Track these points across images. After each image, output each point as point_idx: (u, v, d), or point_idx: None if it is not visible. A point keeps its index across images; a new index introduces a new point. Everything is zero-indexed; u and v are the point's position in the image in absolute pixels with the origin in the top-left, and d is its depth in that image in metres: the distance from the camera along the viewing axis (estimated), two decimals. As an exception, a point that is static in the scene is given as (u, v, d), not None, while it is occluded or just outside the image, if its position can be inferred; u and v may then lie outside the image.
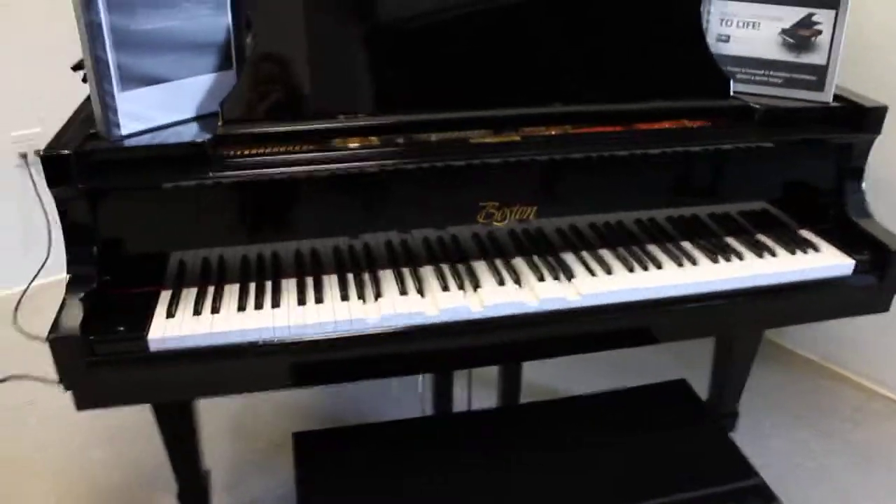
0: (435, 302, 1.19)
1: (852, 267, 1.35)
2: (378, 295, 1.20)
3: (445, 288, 1.22)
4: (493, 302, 1.19)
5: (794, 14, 1.39)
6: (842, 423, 2.04)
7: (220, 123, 1.19)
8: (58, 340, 1.03)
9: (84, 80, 1.40)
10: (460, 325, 1.18)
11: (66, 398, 1.07)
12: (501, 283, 1.24)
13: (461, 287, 1.23)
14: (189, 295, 1.19)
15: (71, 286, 1.11)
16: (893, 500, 1.78)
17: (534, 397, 1.61)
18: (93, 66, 1.10)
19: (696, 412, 1.43)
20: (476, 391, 1.72)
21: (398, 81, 1.28)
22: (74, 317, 1.06)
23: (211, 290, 1.20)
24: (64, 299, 1.08)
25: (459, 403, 1.70)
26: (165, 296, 1.18)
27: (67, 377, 1.06)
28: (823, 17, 1.38)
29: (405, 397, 2.00)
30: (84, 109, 1.27)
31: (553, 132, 1.33)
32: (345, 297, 1.19)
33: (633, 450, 1.31)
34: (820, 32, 1.39)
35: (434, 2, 1.27)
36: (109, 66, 1.11)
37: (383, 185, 1.22)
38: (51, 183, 1.09)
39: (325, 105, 1.25)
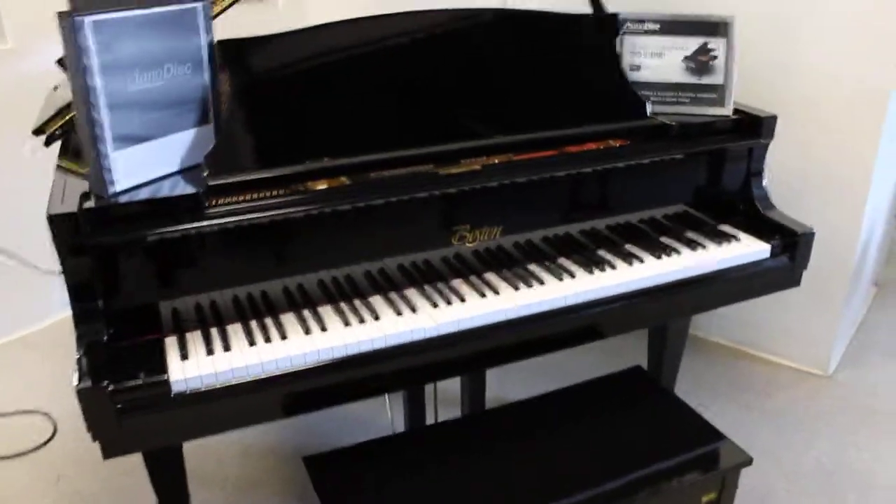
0: (432, 317, 1.30)
1: (769, 251, 1.58)
2: (376, 317, 1.30)
3: (435, 305, 1.33)
4: (482, 311, 1.33)
5: (694, 43, 1.63)
6: (756, 395, 2.30)
7: (204, 174, 1.26)
8: (85, 392, 1.06)
9: (46, 144, 1.44)
10: (456, 335, 1.30)
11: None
12: (483, 295, 1.37)
13: (449, 302, 1.34)
14: (194, 338, 1.24)
15: (82, 341, 1.13)
16: (811, 451, 2.03)
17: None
18: (88, 128, 1.15)
19: (658, 392, 1.61)
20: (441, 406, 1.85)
21: (363, 126, 1.39)
22: (96, 369, 1.09)
23: (214, 331, 1.26)
24: (80, 355, 1.11)
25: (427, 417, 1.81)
26: (171, 341, 1.23)
27: (96, 427, 1.09)
28: (717, 44, 1.62)
29: (369, 417, 2.07)
30: (62, 177, 1.29)
31: (496, 160, 1.46)
32: (346, 323, 1.28)
33: (616, 432, 1.46)
34: (716, 57, 1.63)
35: (384, 54, 1.39)
36: (104, 127, 1.15)
37: (364, 218, 1.32)
38: (59, 242, 1.12)
39: (299, 151, 1.33)
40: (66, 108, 1.40)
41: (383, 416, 1.96)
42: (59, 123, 1.41)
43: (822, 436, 2.11)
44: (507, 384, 2.14)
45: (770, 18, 2.10)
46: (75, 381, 1.07)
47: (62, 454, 2.08)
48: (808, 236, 1.59)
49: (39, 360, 2.55)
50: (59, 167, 1.32)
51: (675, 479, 1.36)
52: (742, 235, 1.62)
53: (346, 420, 2.13)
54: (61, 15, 1.09)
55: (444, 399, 1.87)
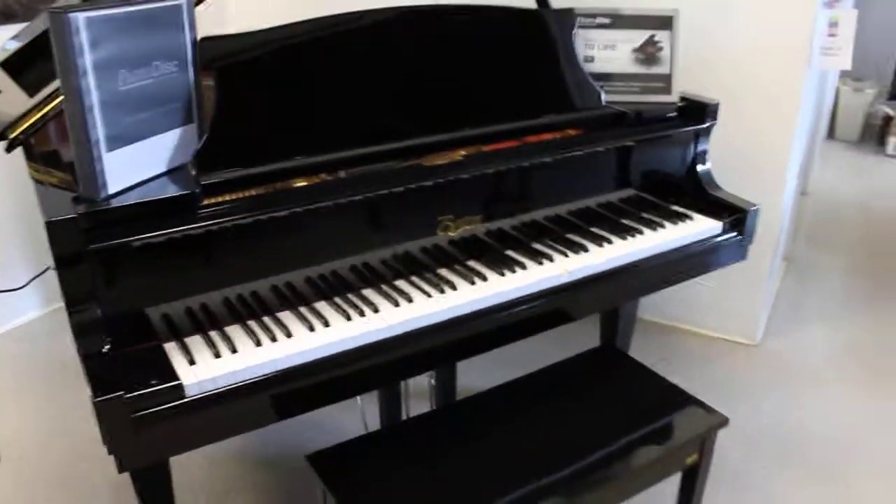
0: (428, 305, 1.33)
1: (720, 227, 1.71)
2: (375, 310, 1.31)
3: (429, 295, 1.36)
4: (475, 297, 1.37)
5: (641, 36, 1.73)
6: (695, 367, 2.46)
7: (194, 173, 1.23)
8: (103, 405, 1.02)
9: (8, 150, 1.37)
10: (461, 318, 1.34)
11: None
12: (472, 283, 1.41)
13: (441, 291, 1.38)
14: (195, 342, 1.21)
15: (84, 352, 1.09)
16: (755, 415, 2.20)
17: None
18: (80, 130, 1.10)
19: (631, 366, 1.70)
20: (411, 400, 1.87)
21: (336, 121, 1.40)
22: (108, 380, 1.05)
23: (214, 334, 1.23)
24: (87, 367, 1.07)
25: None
26: (172, 347, 1.20)
27: (113, 439, 1.05)
28: (663, 36, 1.73)
29: (332, 416, 2.06)
30: (41, 184, 1.23)
31: (463, 153, 1.49)
32: (348, 318, 1.29)
33: (597, 407, 1.54)
34: (662, 49, 1.74)
35: (359, 51, 1.41)
36: (97, 128, 1.11)
37: (356, 212, 1.34)
38: (58, 248, 1.07)
39: (286, 147, 1.33)
40: (30, 111, 1.34)
41: (350, 413, 1.95)
42: (22, 128, 1.34)
43: (761, 400, 2.29)
44: (470, 374, 2.19)
45: (693, 16, 2.25)
46: (90, 395, 1.03)
47: (11, 483, 1.96)
48: (755, 212, 1.73)
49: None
50: (33, 175, 1.25)
51: (660, 446, 1.45)
52: (694, 215, 1.74)
53: (307, 422, 2.11)
54: (52, 12, 1.04)
55: (413, 393, 1.90)
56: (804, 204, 3.49)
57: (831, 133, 4.70)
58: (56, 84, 1.38)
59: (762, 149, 2.32)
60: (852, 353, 2.55)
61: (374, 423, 1.86)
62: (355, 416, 1.93)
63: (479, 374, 2.02)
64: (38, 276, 2.56)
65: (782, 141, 2.31)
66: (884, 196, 3.99)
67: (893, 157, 4.51)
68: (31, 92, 1.43)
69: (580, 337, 2.12)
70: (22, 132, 1.34)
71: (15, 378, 2.45)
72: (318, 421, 2.10)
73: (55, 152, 1.39)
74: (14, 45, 1.68)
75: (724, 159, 2.31)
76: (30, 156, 1.35)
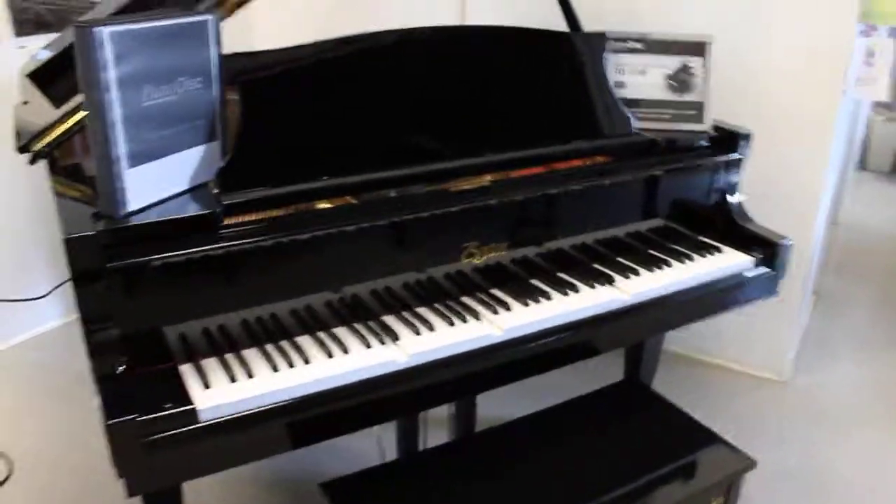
0: (452, 335, 1.30)
1: (752, 262, 1.66)
2: (396, 338, 1.28)
3: (451, 323, 1.33)
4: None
5: (674, 62, 1.70)
6: (718, 403, 2.38)
7: (216, 191, 1.21)
8: (117, 427, 1.00)
9: (31, 162, 1.36)
10: (484, 349, 1.31)
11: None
12: (496, 312, 1.37)
13: (464, 320, 1.34)
14: (211, 365, 1.19)
15: (99, 372, 1.07)
16: (780, 456, 2.12)
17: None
18: (102, 145, 1.09)
19: (655, 401, 1.64)
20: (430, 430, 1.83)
21: (362, 143, 1.37)
22: (121, 402, 1.03)
23: (230, 357, 1.21)
24: (101, 388, 1.05)
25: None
26: (187, 369, 1.17)
27: (123, 463, 1.02)
28: (696, 63, 1.69)
29: (349, 444, 2.02)
30: (62, 199, 1.22)
31: (490, 178, 1.47)
32: (367, 345, 1.25)
33: (621, 443, 1.49)
34: (695, 76, 1.70)
35: (387, 71, 1.38)
36: (119, 143, 1.10)
37: (382, 236, 1.31)
38: (76, 266, 1.05)
39: (310, 168, 1.31)
40: (54, 124, 1.33)
41: (367, 439, 1.91)
42: (46, 141, 1.33)
43: (787, 440, 2.21)
44: (490, 404, 2.14)
45: (726, 42, 2.21)
46: (102, 417, 1.00)
47: (22, 496, 1.94)
48: (787, 247, 1.67)
49: (-8, 391, 2.38)
50: (55, 189, 1.24)
51: (685, 487, 1.40)
52: (724, 248, 1.69)
53: (322, 446, 2.08)
54: (78, 25, 1.03)
55: (431, 422, 1.85)
56: (834, 235, 3.41)
57: (863, 164, 4.61)
58: (80, 97, 1.39)
59: (794, 178, 2.26)
60: (885, 392, 2.47)
61: (391, 450, 1.82)
62: (371, 442, 1.89)
63: (499, 404, 1.97)
64: (59, 286, 2.56)
65: (815, 171, 2.25)
66: (916, 229, 3.90)
67: (926, 189, 4.42)
68: (57, 104, 1.42)
69: (603, 368, 2.07)
70: (46, 144, 1.33)
71: (33, 387, 2.43)
72: (333, 446, 2.03)
73: (78, 165, 1.38)
74: (45, 56, 1.69)
75: (754, 188, 2.25)
76: (53, 168, 1.34)
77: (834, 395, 2.44)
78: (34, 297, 2.48)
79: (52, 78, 1.57)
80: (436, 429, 1.88)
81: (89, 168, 1.32)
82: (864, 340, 2.79)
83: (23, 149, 1.32)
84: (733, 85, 2.20)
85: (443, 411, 1.83)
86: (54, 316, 2.77)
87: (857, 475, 2.07)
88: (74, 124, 1.32)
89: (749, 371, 2.53)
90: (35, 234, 2.64)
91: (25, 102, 1.59)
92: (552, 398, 1.73)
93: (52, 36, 1.78)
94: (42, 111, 1.43)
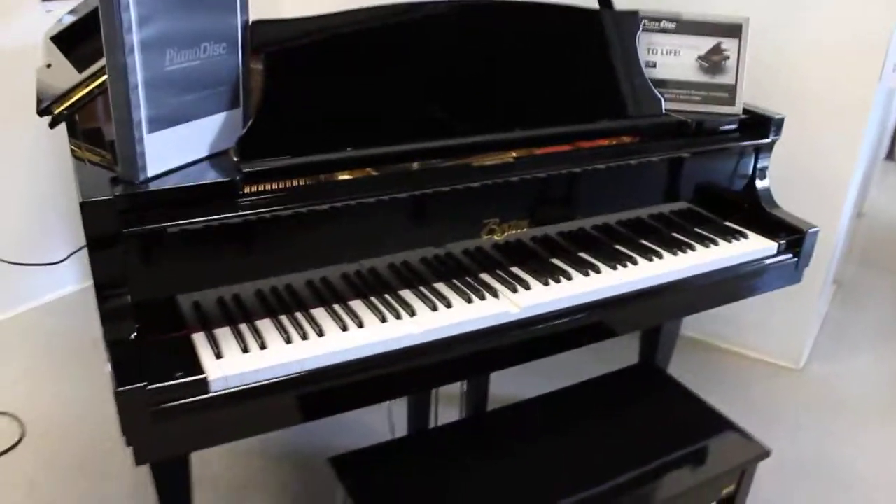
0: (469, 311, 1.28)
1: (776, 248, 1.62)
2: (412, 312, 1.26)
3: (469, 300, 1.31)
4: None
5: (707, 43, 1.65)
6: (733, 389, 2.36)
7: (236, 159, 1.19)
8: (126, 395, 0.99)
9: (52, 125, 1.34)
10: (502, 327, 1.29)
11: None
12: (515, 290, 1.35)
13: (482, 297, 1.32)
14: (224, 334, 1.18)
15: (111, 338, 1.06)
16: (794, 444, 2.11)
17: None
18: (123, 109, 1.07)
19: (671, 386, 1.63)
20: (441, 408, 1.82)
21: (387, 114, 1.35)
22: (132, 369, 1.02)
23: (244, 327, 1.20)
24: (112, 354, 1.04)
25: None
26: (200, 338, 1.16)
27: (131, 431, 1.02)
28: (730, 45, 1.65)
29: (365, 421, 2.02)
30: (81, 162, 1.21)
31: (514, 154, 1.44)
32: (383, 319, 1.24)
33: (634, 427, 1.47)
34: (728, 58, 1.65)
35: (413, 42, 1.35)
36: (141, 108, 1.08)
37: (403, 209, 1.29)
38: (92, 230, 1.04)
39: (332, 138, 1.29)
40: (76, 87, 1.31)
41: (377, 414, 1.91)
42: (67, 104, 1.32)
43: (802, 428, 2.19)
44: (502, 382, 2.13)
45: (759, 23, 2.15)
46: (113, 385, 1.00)
47: (33, 460, 1.95)
48: (813, 234, 1.64)
49: (3, 357, 2.39)
50: (74, 153, 1.23)
51: (697, 473, 1.38)
52: (749, 233, 1.66)
53: (331, 421, 2.08)
54: (101, -13, 1.01)
55: (443, 399, 1.85)
56: (858, 226, 3.35)
57: (890, 154, 4.52)
58: (103, 61, 1.37)
59: (824, 165, 2.22)
60: (902, 385, 2.44)
61: (401, 426, 1.82)
62: (382, 417, 1.89)
63: (511, 383, 1.96)
64: (76, 251, 2.58)
65: (846, 158, 2.20)
66: (942, 222, 3.83)
67: (954, 181, 4.33)
68: (80, 67, 1.41)
69: (618, 350, 2.05)
70: (66, 108, 1.31)
71: (48, 353, 2.45)
72: (343, 420, 2.04)
73: (98, 130, 1.36)
74: (69, 20, 1.67)
75: (781, 173, 2.22)
76: (72, 132, 1.32)
77: (851, 385, 2.41)
78: (52, 262, 2.51)
79: (76, 41, 1.56)
80: (447, 406, 1.87)
81: (109, 133, 1.31)
82: (884, 332, 2.75)
83: (43, 112, 1.31)
84: (764, 64, 2.15)
85: (454, 388, 1.81)
86: (72, 281, 2.78)
87: (871, 468, 2.05)
88: (95, 88, 1.30)
89: (765, 358, 2.51)
90: (55, 198, 2.65)
91: (48, 66, 1.58)
92: (566, 379, 1.71)
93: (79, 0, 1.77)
94: (64, 74, 1.41)
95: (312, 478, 1.93)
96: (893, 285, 3.12)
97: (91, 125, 1.37)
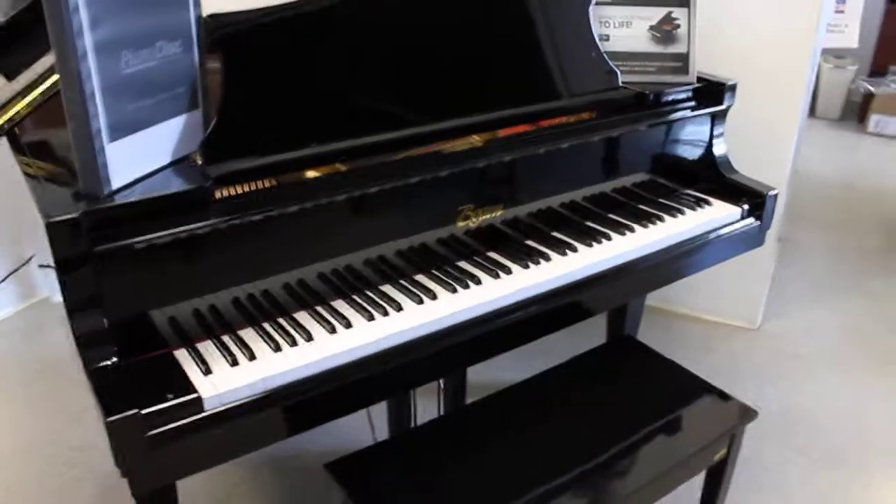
0: (456, 302, 1.26)
1: (739, 213, 1.65)
2: (399, 307, 1.23)
3: (454, 290, 1.29)
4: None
5: (658, 13, 1.66)
6: (697, 352, 2.42)
7: (201, 163, 1.13)
8: (119, 424, 0.93)
9: (-4, 136, 1.25)
10: (485, 316, 1.27)
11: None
12: (497, 276, 1.33)
13: (465, 286, 1.30)
14: (208, 348, 1.12)
15: (91, 365, 1.00)
16: (760, 399, 2.17)
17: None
18: (80, 120, 1.00)
19: (654, 358, 1.64)
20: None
21: (351, 106, 1.30)
22: (119, 396, 0.96)
23: (227, 338, 1.14)
24: (95, 383, 0.97)
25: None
26: (182, 354, 1.10)
27: (127, 460, 0.96)
28: (680, 13, 1.66)
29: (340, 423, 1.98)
30: (37, 173, 1.12)
31: (478, 138, 1.40)
32: (370, 317, 1.20)
33: (623, 401, 1.48)
34: (679, 27, 1.66)
35: (369, 29, 1.30)
36: (99, 116, 1.01)
37: (376, 202, 1.25)
38: (59, 251, 0.96)
39: (297, 134, 1.23)
40: (13, 98, 1.22)
41: (352, 418, 1.86)
42: (6, 118, 1.22)
43: (766, 384, 2.26)
44: (478, 372, 2.11)
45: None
46: (101, 414, 0.93)
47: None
48: (773, 197, 1.67)
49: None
50: (24, 168, 1.14)
51: (690, 442, 1.40)
52: (713, 200, 1.68)
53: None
54: (47, -12, 0.93)
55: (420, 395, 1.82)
56: (794, 183, 3.47)
57: (812, 111, 4.70)
58: (37, 69, 1.28)
59: (766, 130, 2.27)
60: (850, 333, 2.54)
61: (380, 423, 1.79)
62: (358, 417, 1.85)
63: (486, 369, 1.93)
64: (14, 271, 2.42)
65: (787, 119, 2.26)
66: (866, 174, 4.00)
67: (874, 134, 4.53)
68: (11, 76, 1.31)
69: (584, 326, 2.06)
70: (6, 122, 1.22)
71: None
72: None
73: (45, 142, 1.27)
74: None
75: (732, 136, 2.27)
76: (16, 147, 1.23)
77: (805, 339, 2.50)
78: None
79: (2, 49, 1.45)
80: (424, 398, 1.84)
81: (59, 144, 1.23)
82: (828, 284, 2.86)
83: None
84: (703, 37, 2.17)
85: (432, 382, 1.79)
86: (9, 303, 2.61)
87: (836, 414, 2.13)
88: (39, 96, 1.21)
89: (723, 321, 2.57)
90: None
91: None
92: (540, 359, 1.71)
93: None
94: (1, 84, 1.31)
95: (293, 482, 1.88)
96: (828, 238, 3.25)
97: (36, 137, 1.27)
